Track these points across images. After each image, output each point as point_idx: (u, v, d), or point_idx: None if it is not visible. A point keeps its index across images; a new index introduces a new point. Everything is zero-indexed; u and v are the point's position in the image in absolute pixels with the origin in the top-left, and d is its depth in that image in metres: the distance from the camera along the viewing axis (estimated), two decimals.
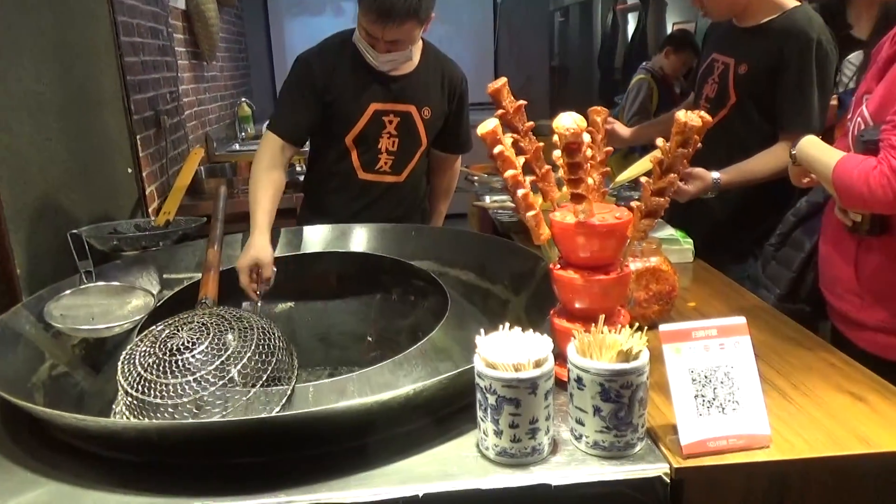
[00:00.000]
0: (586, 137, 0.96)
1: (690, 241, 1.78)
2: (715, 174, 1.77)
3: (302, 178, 2.17)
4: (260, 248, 1.56)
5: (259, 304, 1.56)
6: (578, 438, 0.96)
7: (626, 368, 0.90)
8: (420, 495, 0.89)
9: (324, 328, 1.74)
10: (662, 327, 0.96)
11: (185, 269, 1.69)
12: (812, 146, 1.37)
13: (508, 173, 1.01)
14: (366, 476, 0.92)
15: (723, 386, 0.95)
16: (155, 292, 1.57)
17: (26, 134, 1.68)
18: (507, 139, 1.03)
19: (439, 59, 1.94)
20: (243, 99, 4.78)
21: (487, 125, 1.01)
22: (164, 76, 3.05)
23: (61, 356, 1.35)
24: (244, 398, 1.07)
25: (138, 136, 2.49)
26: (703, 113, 1.02)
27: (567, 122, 0.90)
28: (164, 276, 1.66)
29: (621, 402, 0.91)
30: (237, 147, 4.33)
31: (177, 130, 3.20)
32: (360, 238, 1.81)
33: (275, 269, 1.59)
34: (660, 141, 0.98)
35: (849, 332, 1.40)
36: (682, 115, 0.95)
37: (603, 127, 1.17)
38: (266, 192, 1.69)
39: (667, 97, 3.90)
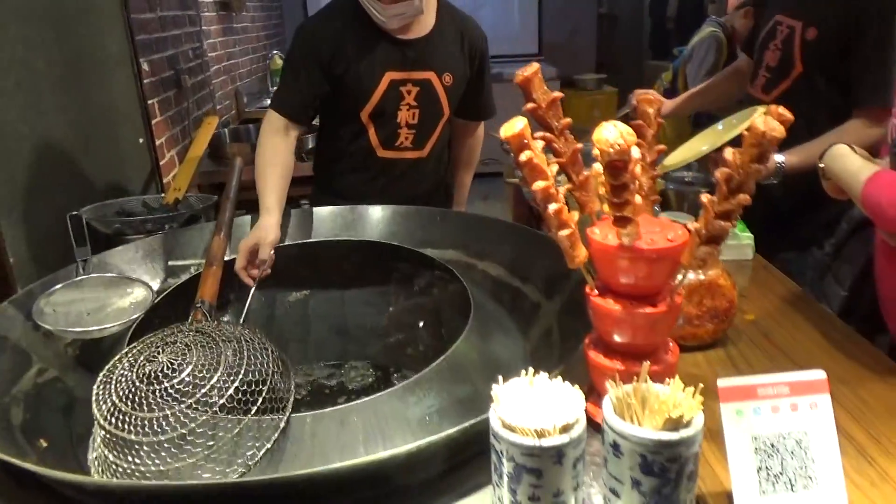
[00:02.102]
0: (635, 153, 0.77)
1: (750, 235, 1.57)
2: (779, 157, 1.54)
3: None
4: (264, 227, 1.44)
5: (252, 291, 1.41)
6: None
7: (674, 440, 0.73)
8: None
9: (340, 319, 1.63)
10: (721, 382, 0.78)
11: (193, 255, 1.57)
12: (839, 158, 1.16)
13: (538, 185, 0.83)
14: None
15: (793, 457, 0.78)
16: (157, 283, 1.46)
17: (16, 108, 1.55)
18: (537, 143, 0.85)
19: (456, 17, 1.73)
20: (275, 52, 4.60)
21: (514, 126, 0.82)
22: (186, 32, 2.89)
23: (52, 359, 1.25)
24: (232, 433, 0.95)
25: (154, 101, 2.35)
26: (782, 110, 0.82)
27: (611, 134, 0.70)
28: (170, 262, 1.55)
29: (667, 476, 0.75)
30: (269, 102, 4.18)
31: (201, 89, 3.05)
32: (380, 221, 1.66)
33: (273, 255, 1.45)
34: (728, 153, 0.78)
35: None
36: (760, 121, 0.75)
37: (656, 121, 0.98)
38: (273, 172, 1.54)
39: (731, 61, 3.52)
